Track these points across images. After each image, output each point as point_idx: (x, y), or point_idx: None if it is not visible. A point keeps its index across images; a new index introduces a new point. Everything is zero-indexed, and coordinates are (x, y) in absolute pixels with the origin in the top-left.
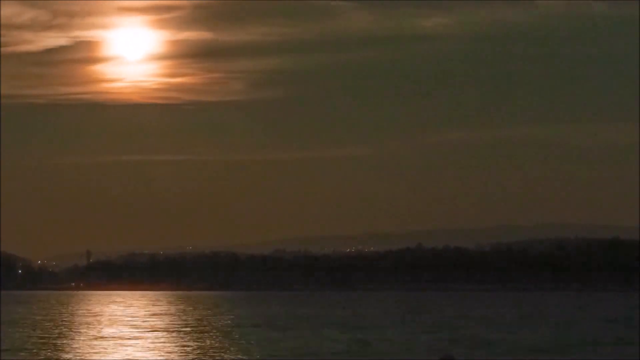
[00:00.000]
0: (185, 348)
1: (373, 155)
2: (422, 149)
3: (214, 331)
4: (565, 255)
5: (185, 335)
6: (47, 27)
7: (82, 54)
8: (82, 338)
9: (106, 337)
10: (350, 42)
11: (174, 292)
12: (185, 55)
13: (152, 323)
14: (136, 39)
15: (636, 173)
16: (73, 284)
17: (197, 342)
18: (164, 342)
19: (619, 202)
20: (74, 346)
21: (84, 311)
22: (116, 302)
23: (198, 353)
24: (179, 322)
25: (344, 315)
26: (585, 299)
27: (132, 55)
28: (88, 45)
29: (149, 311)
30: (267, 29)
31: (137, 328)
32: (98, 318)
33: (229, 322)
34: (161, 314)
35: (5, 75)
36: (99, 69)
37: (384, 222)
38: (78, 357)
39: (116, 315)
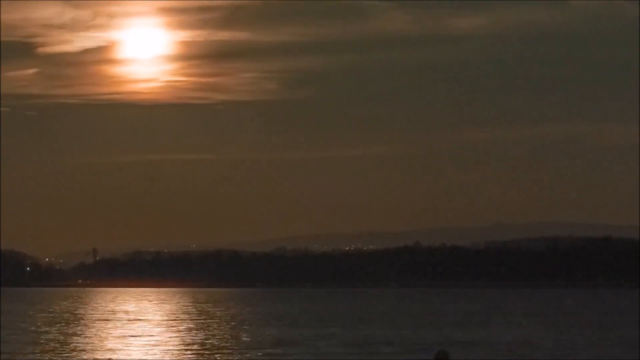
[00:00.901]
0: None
1: (376, 155)
2: (424, 149)
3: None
4: (558, 253)
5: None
6: (87, 27)
7: (119, 54)
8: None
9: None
10: (384, 43)
11: (178, 289)
12: (220, 55)
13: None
14: (174, 40)
15: (629, 172)
16: (80, 281)
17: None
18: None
19: (611, 201)
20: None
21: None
22: (147, 299)
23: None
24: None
25: (344, 312)
26: (576, 296)
27: (169, 55)
28: (125, 45)
29: (186, 308)
30: (302, 29)
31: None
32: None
33: (269, 317)
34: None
35: (42, 76)
36: (134, 69)
37: (383, 221)
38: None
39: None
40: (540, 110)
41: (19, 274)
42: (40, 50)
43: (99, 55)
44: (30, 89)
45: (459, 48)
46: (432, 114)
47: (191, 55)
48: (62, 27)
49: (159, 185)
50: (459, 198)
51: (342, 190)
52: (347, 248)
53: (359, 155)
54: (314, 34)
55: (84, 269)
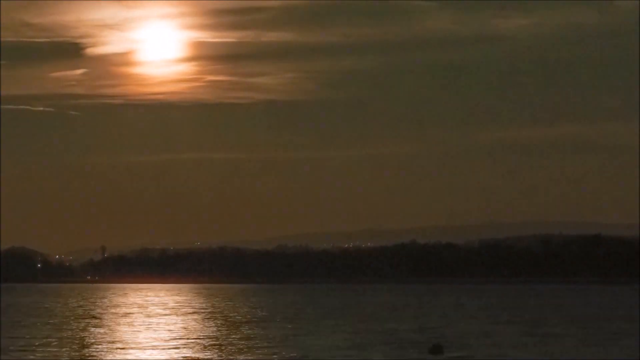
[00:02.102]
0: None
1: (381, 155)
2: (433, 149)
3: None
4: (549, 250)
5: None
6: (136, 27)
7: (164, 54)
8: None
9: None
10: (426, 43)
11: (182, 285)
12: (266, 55)
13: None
14: (220, 40)
15: (620, 172)
16: (89, 277)
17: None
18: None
19: (601, 200)
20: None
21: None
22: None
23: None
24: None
25: (344, 307)
26: (567, 292)
27: (214, 55)
28: (172, 46)
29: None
30: (348, 30)
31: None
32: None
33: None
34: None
35: (88, 76)
36: (181, 69)
37: (381, 219)
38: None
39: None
40: (557, 111)
41: (30, 271)
42: (89, 50)
43: (146, 55)
44: (76, 89)
45: (500, 49)
46: (449, 114)
47: (237, 56)
48: (113, 27)
49: (168, 185)
50: (454, 198)
51: (341, 190)
52: (346, 245)
53: (361, 155)
54: (359, 34)
55: (93, 266)
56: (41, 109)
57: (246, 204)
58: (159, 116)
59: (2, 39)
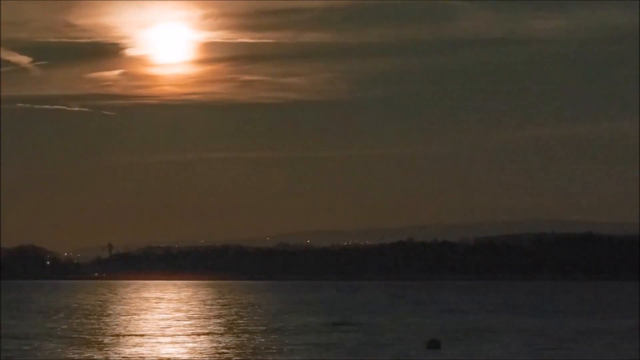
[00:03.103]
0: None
1: (384, 155)
2: (424, 150)
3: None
4: (542, 248)
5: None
6: (177, 28)
7: (203, 55)
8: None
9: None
10: (461, 44)
11: (187, 282)
12: (302, 56)
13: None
14: (258, 41)
15: (611, 171)
16: (96, 274)
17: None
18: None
19: (591, 200)
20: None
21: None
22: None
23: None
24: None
25: (344, 302)
26: (557, 288)
27: (250, 56)
28: (212, 46)
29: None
30: (385, 31)
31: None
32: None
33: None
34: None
35: (125, 77)
36: (217, 69)
37: (379, 218)
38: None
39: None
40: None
41: (39, 268)
42: (128, 51)
43: (183, 56)
44: (112, 89)
45: (534, 50)
46: (461, 116)
47: (273, 56)
48: (152, 28)
49: (176, 185)
50: (449, 197)
51: (341, 189)
52: (345, 243)
53: (362, 155)
54: (395, 35)
55: (100, 263)
56: (77, 109)
57: (248, 203)
58: (189, 116)
59: (45, 40)
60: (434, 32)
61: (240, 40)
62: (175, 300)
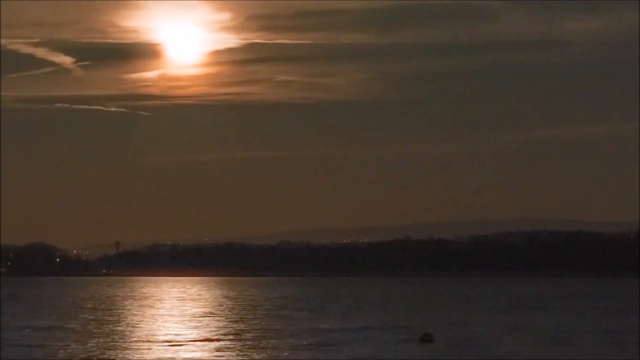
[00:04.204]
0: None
1: (389, 155)
2: (422, 151)
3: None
4: (535, 246)
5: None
6: (220, 29)
7: (242, 56)
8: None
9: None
10: (495, 45)
11: (192, 278)
12: (340, 56)
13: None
14: (296, 42)
15: (601, 171)
16: (104, 270)
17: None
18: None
19: (582, 199)
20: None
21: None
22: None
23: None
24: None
25: (344, 298)
26: (549, 285)
27: (287, 56)
28: (251, 47)
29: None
30: (424, 32)
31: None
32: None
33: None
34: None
35: (164, 77)
36: (255, 69)
37: (377, 216)
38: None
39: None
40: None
41: (49, 265)
42: (168, 52)
43: (222, 57)
44: (150, 89)
45: (568, 51)
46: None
47: (312, 57)
48: (194, 29)
49: (190, 183)
50: (445, 197)
51: (340, 189)
52: (344, 241)
53: (362, 155)
54: (433, 35)
55: (108, 260)
56: (114, 109)
57: (251, 203)
58: (218, 116)
59: (89, 40)
60: (470, 33)
61: (279, 41)
62: (237, 297)
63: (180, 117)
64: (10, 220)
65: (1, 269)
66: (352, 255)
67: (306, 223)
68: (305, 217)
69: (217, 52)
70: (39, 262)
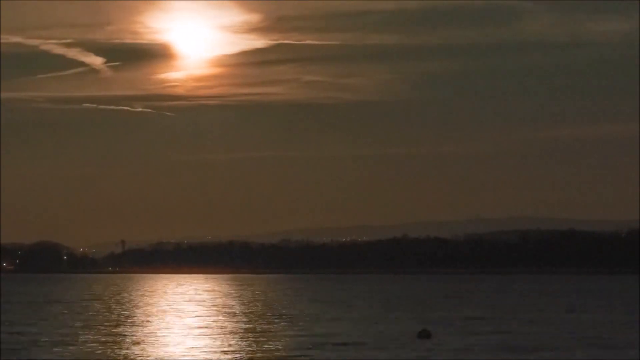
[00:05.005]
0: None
1: (390, 155)
2: (426, 150)
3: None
4: (528, 244)
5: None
6: (254, 29)
7: (270, 56)
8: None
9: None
10: (521, 46)
11: (195, 275)
12: (367, 57)
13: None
14: (323, 42)
15: (592, 170)
16: (110, 268)
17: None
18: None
19: (574, 198)
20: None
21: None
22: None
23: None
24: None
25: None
26: (542, 282)
27: (313, 57)
28: (280, 48)
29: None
30: (451, 32)
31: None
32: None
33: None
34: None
35: (191, 78)
36: (282, 69)
37: (375, 215)
38: None
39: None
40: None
41: (56, 263)
42: (197, 53)
43: (250, 57)
44: (177, 90)
45: (593, 53)
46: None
47: (338, 57)
48: (224, 30)
49: (195, 184)
50: (441, 196)
51: (340, 188)
52: (344, 239)
53: (361, 154)
54: (461, 36)
55: (114, 258)
56: (139, 109)
57: (253, 202)
58: (242, 116)
59: (120, 41)
60: (497, 34)
61: (307, 42)
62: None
63: (203, 118)
64: (19, 219)
65: (10, 267)
66: (351, 253)
67: (307, 222)
68: (306, 216)
69: (245, 53)
70: (46, 260)
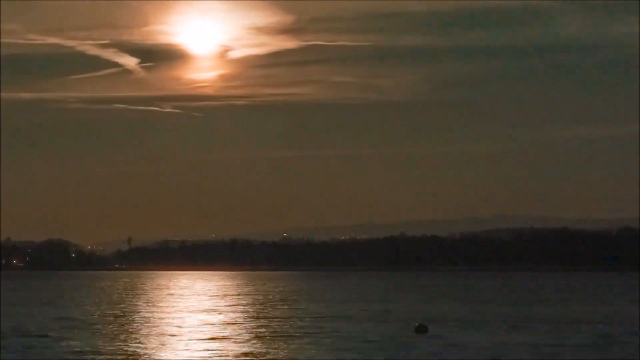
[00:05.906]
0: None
1: (391, 154)
2: (427, 150)
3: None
4: (522, 242)
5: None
6: (287, 30)
7: (301, 57)
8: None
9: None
10: (548, 48)
11: (200, 272)
12: (395, 58)
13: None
14: (351, 44)
15: (586, 170)
16: (117, 265)
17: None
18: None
19: (567, 197)
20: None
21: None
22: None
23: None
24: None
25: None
26: (538, 280)
27: (340, 59)
28: (311, 49)
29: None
30: (482, 34)
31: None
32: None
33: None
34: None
35: (221, 78)
36: (312, 70)
37: (374, 214)
38: None
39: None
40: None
41: (65, 260)
42: (229, 53)
43: (282, 58)
44: (206, 90)
45: (608, 55)
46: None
47: (368, 58)
48: (261, 30)
49: (202, 182)
50: (438, 195)
51: (339, 188)
52: (343, 238)
53: (360, 155)
54: (491, 37)
55: (121, 255)
56: (168, 110)
57: (255, 202)
58: (268, 117)
59: (155, 42)
60: (525, 35)
61: (339, 43)
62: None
63: (229, 118)
64: (29, 217)
65: (20, 264)
66: (350, 250)
67: (307, 220)
68: (306, 215)
69: (277, 54)
70: (54, 258)
